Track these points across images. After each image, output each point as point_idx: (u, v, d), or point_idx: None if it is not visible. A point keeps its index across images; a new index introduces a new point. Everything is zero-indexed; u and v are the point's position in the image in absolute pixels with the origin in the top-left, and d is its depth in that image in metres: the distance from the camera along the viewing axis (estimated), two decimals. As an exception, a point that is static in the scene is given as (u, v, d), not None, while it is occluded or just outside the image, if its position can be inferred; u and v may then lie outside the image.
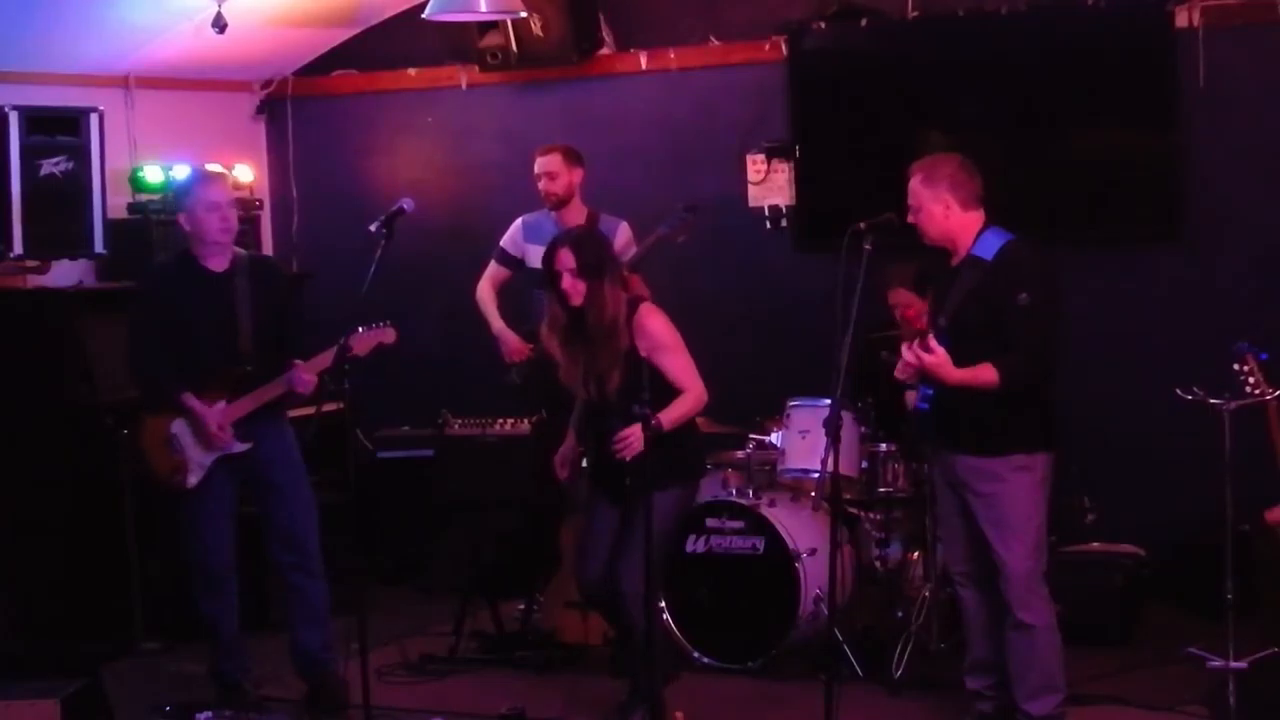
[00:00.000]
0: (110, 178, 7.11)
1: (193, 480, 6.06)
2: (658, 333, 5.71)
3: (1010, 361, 5.21)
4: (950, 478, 5.50)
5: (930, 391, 5.38)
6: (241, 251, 6.24)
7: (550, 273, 5.69)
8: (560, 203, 7.16)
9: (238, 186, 8.17)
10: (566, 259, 5.64)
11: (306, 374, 5.96)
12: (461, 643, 6.85)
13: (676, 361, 5.72)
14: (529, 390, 7.22)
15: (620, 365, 5.64)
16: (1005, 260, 5.32)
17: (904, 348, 5.34)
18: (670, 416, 5.62)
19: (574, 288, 5.63)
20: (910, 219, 5.43)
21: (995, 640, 5.48)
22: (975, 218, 5.41)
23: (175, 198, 6.53)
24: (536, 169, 7.20)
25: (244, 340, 6.05)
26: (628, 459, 5.56)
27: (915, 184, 5.41)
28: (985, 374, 5.21)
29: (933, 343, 5.22)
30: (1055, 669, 5.43)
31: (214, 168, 7.81)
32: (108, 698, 5.86)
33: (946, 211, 5.37)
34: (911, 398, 6.11)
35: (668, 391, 5.68)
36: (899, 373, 5.49)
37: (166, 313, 6.07)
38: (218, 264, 6.11)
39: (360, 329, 5.84)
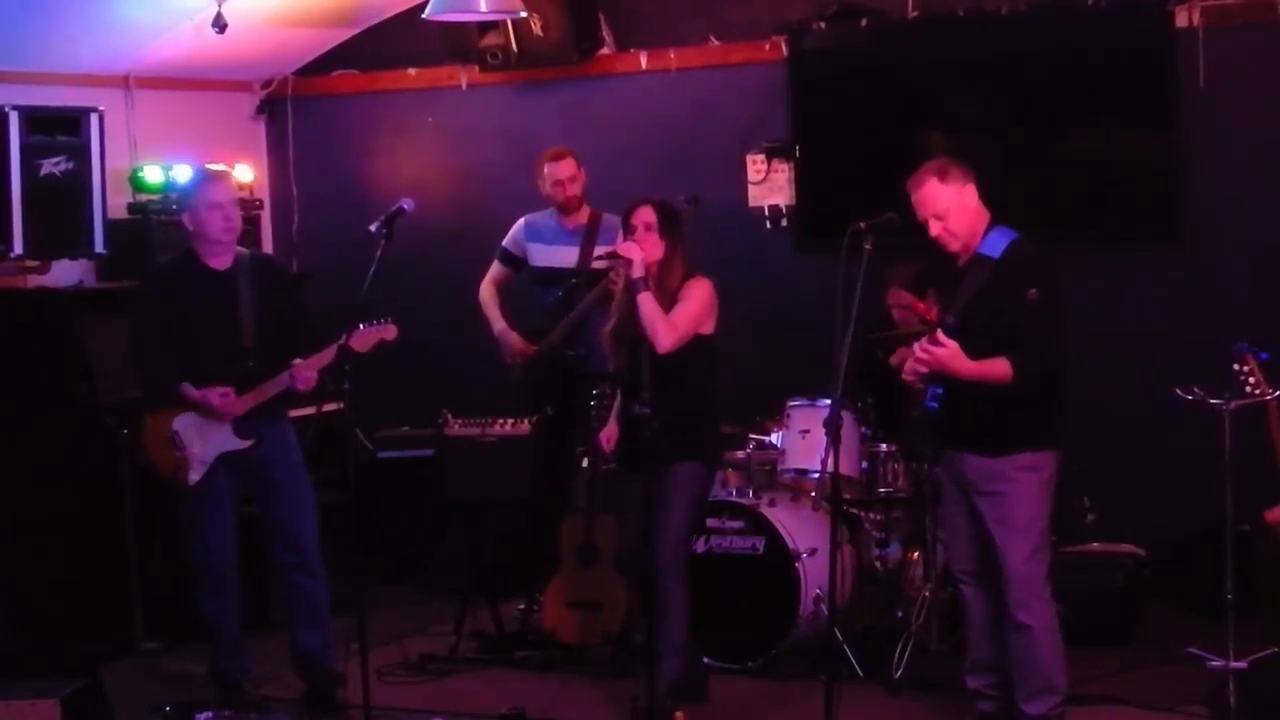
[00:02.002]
0: (110, 178, 7.12)
1: (194, 477, 6.06)
2: (694, 290, 5.87)
3: (1022, 357, 5.21)
4: (958, 477, 5.49)
5: (940, 390, 5.36)
6: (244, 250, 6.26)
7: (628, 230, 5.87)
8: (577, 205, 7.17)
9: (239, 186, 8.17)
10: (647, 214, 5.86)
11: (307, 370, 5.97)
12: (461, 643, 6.85)
13: (685, 309, 5.84)
14: (531, 387, 7.23)
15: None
16: (1013, 258, 5.31)
17: (916, 347, 5.32)
18: (647, 299, 5.72)
19: (648, 242, 5.80)
20: (935, 232, 5.34)
21: (997, 640, 5.48)
22: (986, 214, 5.40)
23: (179, 197, 6.54)
24: (550, 176, 7.17)
25: (246, 337, 6.07)
26: (619, 253, 5.76)
27: (931, 190, 5.32)
28: (999, 367, 5.20)
29: (942, 336, 5.20)
30: (1054, 670, 5.41)
31: (217, 167, 7.81)
32: (108, 698, 5.86)
33: (976, 204, 5.34)
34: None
35: (696, 370, 5.86)
36: (908, 376, 5.48)
37: (170, 311, 6.08)
38: (221, 262, 6.12)
39: (361, 326, 5.85)
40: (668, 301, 5.82)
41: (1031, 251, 5.36)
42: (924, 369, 5.32)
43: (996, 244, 5.35)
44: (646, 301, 5.74)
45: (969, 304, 5.30)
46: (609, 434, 6.17)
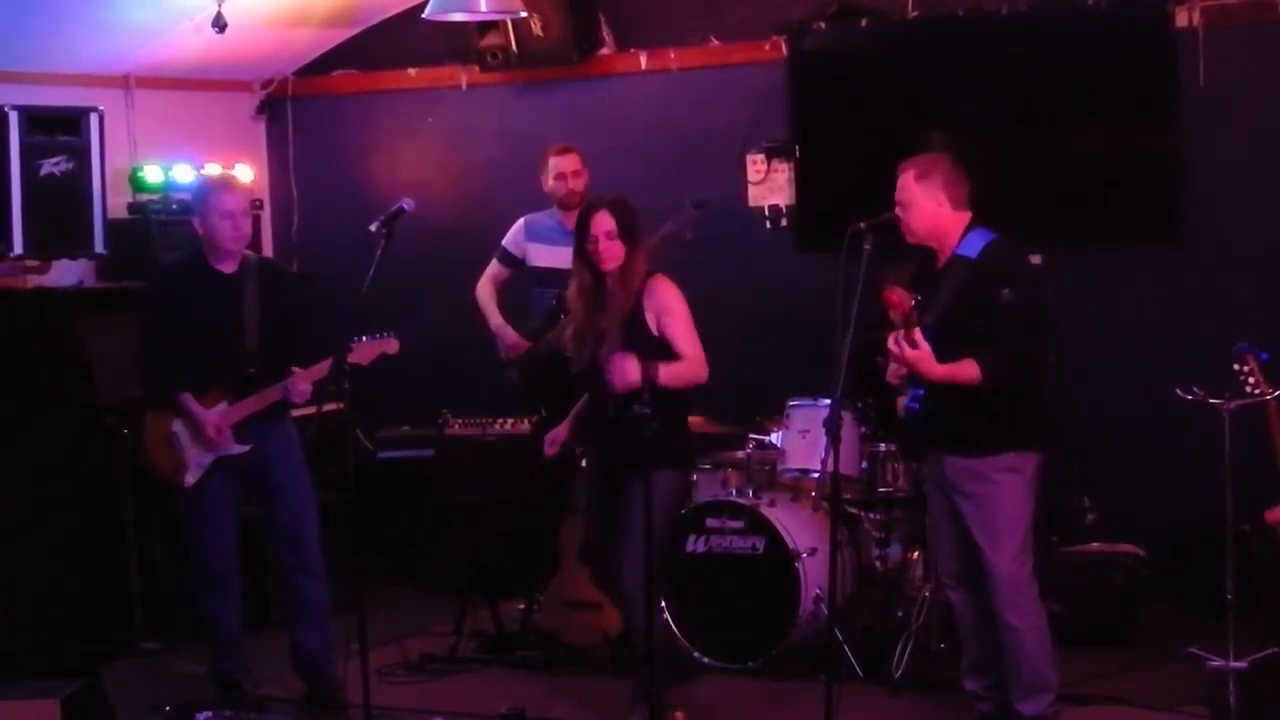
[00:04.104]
0: (110, 178, 7.11)
1: (190, 479, 6.07)
2: (668, 297, 5.72)
3: (994, 358, 5.22)
4: (939, 479, 5.50)
5: (920, 392, 5.38)
6: (250, 254, 6.28)
7: (584, 234, 5.69)
8: (580, 201, 7.18)
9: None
10: (605, 221, 5.66)
11: (303, 383, 5.99)
12: (461, 643, 6.86)
13: (682, 328, 5.70)
14: (528, 388, 7.23)
15: (620, 326, 5.64)
16: (989, 258, 5.34)
17: (890, 341, 5.33)
18: (669, 371, 5.56)
19: (611, 251, 5.66)
20: (897, 213, 5.43)
21: (989, 641, 5.48)
22: (963, 219, 5.42)
23: (191, 200, 6.53)
24: (555, 168, 7.19)
25: (249, 341, 6.08)
26: (617, 387, 5.53)
27: (908, 179, 5.41)
28: (967, 369, 5.22)
29: (918, 336, 5.22)
30: (1046, 669, 5.43)
31: (230, 172, 7.81)
32: (108, 698, 5.87)
33: (937, 209, 5.38)
34: (902, 404, 6.12)
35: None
36: (890, 376, 5.50)
37: (174, 312, 6.09)
38: (227, 266, 6.14)
39: (363, 338, 5.86)
40: (631, 299, 5.67)
41: (1007, 252, 5.39)
42: (897, 365, 5.36)
43: (974, 245, 5.38)
44: (671, 377, 5.58)
45: (946, 305, 5.32)
46: (556, 435, 6.05)
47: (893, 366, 5.45)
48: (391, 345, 5.98)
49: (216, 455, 6.07)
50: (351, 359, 5.72)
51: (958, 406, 5.30)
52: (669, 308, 5.71)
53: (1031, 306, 5.31)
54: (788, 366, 7.31)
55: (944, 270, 5.42)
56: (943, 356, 5.22)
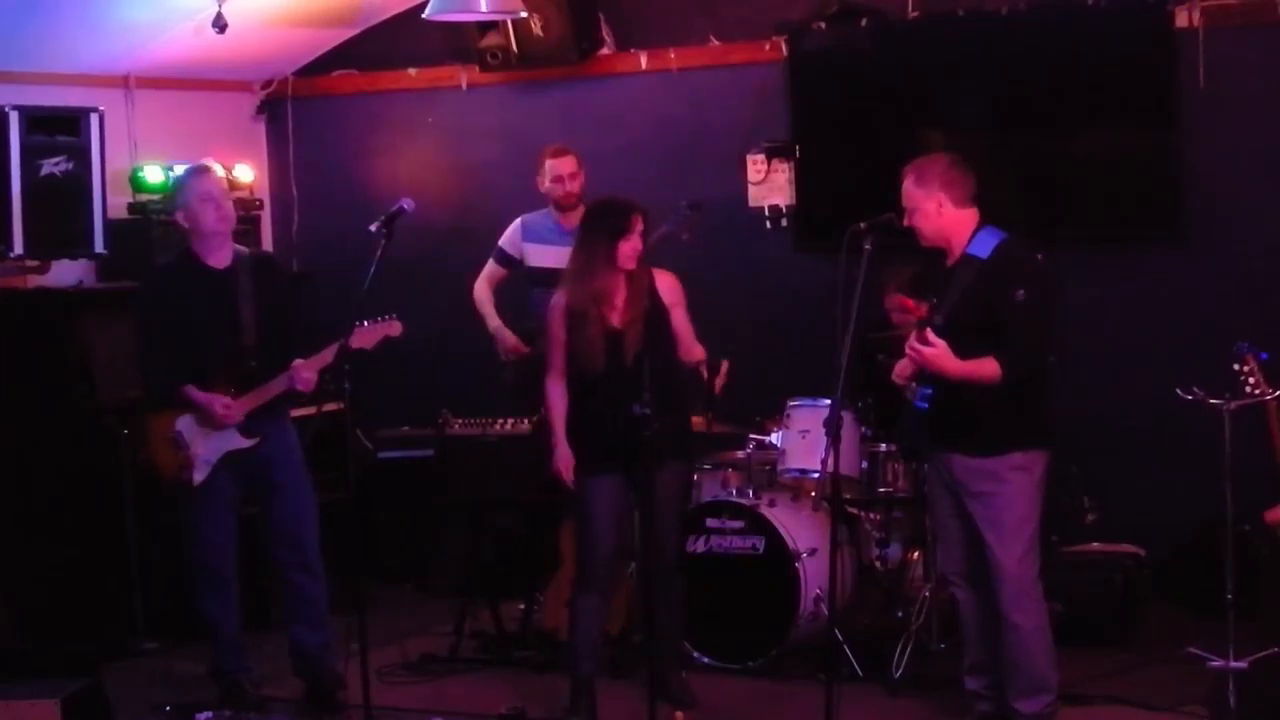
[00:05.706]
0: (110, 178, 7.12)
1: (198, 477, 6.07)
2: (679, 289, 5.97)
3: (1010, 356, 5.23)
4: (946, 479, 5.50)
5: (929, 390, 5.39)
6: (243, 249, 6.27)
7: (625, 232, 5.74)
8: (576, 203, 7.17)
9: (237, 186, 8.18)
10: (640, 222, 5.80)
11: (307, 371, 5.98)
12: (461, 643, 6.86)
13: (687, 319, 5.97)
14: (518, 391, 7.21)
15: (643, 323, 5.79)
16: (1001, 258, 5.35)
17: (908, 346, 5.34)
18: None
19: (639, 249, 5.79)
20: (907, 222, 5.44)
21: (993, 640, 5.48)
22: (969, 216, 5.43)
23: (171, 196, 6.55)
24: (551, 171, 7.18)
25: (247, 336, 6.08)
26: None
27: (908, 185, 5.43)
28: (988, 367, 5.23)
29: (931, 335, 5.23)
30: (1046, 669, 5.44)
31: (231, 170, 7.82)
32: (108, 698, 5.87)
33: (940, 209, 5.39)
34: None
35: (680, 368, 5.94)
36: (897, 375, 5.50)
37: (170, 312, 6.09)
38: (219, 261, 6.13)
39: (365, 323, 5.86)
40: (647, 295, 5.82)
41: (1019, 253, 5.40)
42: (912, 367, 5.36)
43: (985, 244, 5.39)
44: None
45: (956, 304, 5.33)
46: (567, 460, 5.91)
47: (899, 365, 5.45)
48: (394, 328, 5.99)
49: (225, 450, 6.06)
50: (355, 343, 5.73)
51: (967, 406, 5.30)
52: (680, 300, 5.93)
53: (1045, 307, 5.33)
54: (788, 366, 7.31)
55: (953, 269, 5.42)
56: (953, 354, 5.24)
